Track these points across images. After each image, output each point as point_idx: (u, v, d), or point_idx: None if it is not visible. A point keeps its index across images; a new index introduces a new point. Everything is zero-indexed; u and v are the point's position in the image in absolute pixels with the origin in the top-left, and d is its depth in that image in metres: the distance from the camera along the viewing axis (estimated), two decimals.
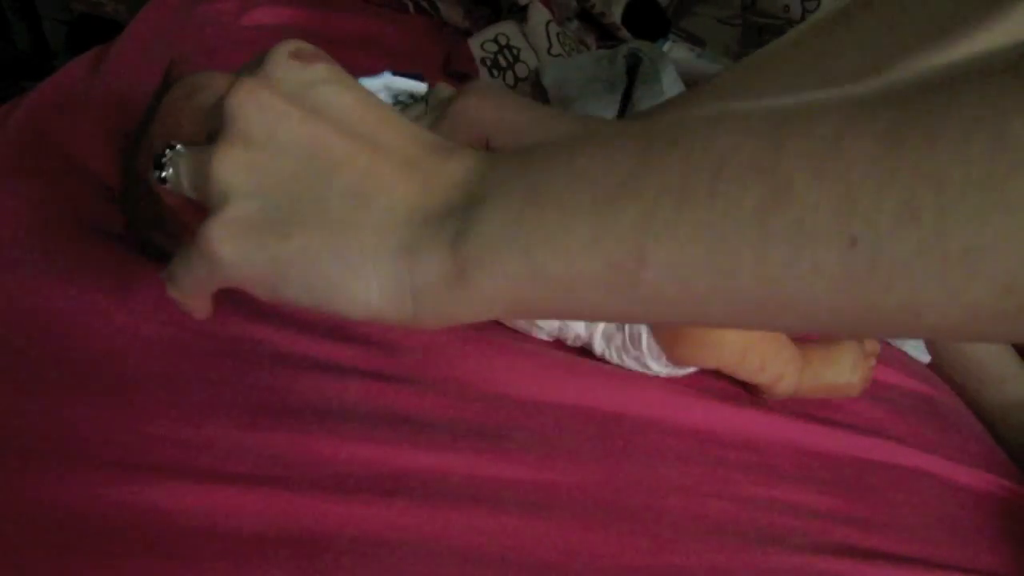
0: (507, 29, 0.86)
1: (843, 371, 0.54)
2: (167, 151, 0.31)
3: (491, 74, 0.83)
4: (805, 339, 0.57)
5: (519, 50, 0.85)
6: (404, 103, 0.53)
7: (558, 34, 0.87)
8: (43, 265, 0.50)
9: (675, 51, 0.98)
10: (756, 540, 0.43)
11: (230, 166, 0.29)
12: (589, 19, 1.02)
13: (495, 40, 0.85)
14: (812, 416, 0.53)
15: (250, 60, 0.31)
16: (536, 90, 0.80)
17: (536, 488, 0.42)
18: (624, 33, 1.01)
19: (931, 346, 0.68)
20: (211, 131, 0.31)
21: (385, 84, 0.52)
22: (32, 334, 0.46)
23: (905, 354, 0.66)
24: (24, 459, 0.39)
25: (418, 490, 0.39)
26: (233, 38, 0.82)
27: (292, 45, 0.30)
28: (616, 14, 1.02)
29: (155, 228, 0.50)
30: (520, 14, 0.89)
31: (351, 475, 0.40)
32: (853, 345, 0.55)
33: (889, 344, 0.66)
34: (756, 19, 1.08)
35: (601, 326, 0.50)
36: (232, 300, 0.49)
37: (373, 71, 0.83)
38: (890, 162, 0.21)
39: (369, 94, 0.31)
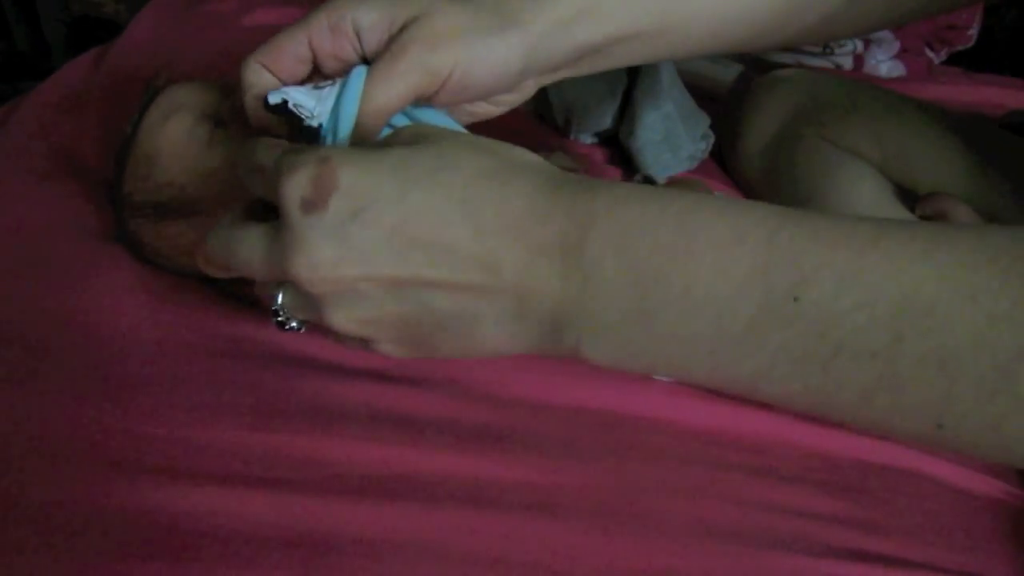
0: None
1: None
2: (280, 311, 0.33)
3: None
4: None
5: None
6: None
7: None
8: (43, 266, 0.50)
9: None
10: (758, 543, 0.43)
11: (346, 326, 0.31)
12: None
13: None
14: (814, 418, 0.53)
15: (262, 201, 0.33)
16: (537, 92, 0.80)
17: (538, 490, 0.42)
18: None
19: None
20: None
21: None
22: (33, 334, 0.46)
23: None
24: (26, 460, 0.39)
25: (420, 491, 0.39)
26: (233, 38, 0.82)
27: (297, 192, 0.29)
28: None
29: (147, 216, 0.50)
30: None
31: (354, 476, 0.40)
32: None
33: None
34: None
35: None
36: (237, 304, 0.49)
37: None
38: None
39: (389, 208, 0.29)
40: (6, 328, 0.46)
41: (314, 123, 0.39)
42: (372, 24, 0.38)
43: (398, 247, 0.29)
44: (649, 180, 0.75)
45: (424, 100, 0.39)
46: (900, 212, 0.75)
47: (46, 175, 0.59)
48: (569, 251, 0.28)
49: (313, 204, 0.29)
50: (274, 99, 0.40)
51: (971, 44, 1.12)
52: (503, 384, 0.48)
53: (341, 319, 0.30)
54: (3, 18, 1.64)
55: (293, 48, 0.39)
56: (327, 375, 0.45)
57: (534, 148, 0.35)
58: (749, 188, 0.77)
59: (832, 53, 1.07)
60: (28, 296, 0.48)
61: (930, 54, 1.12)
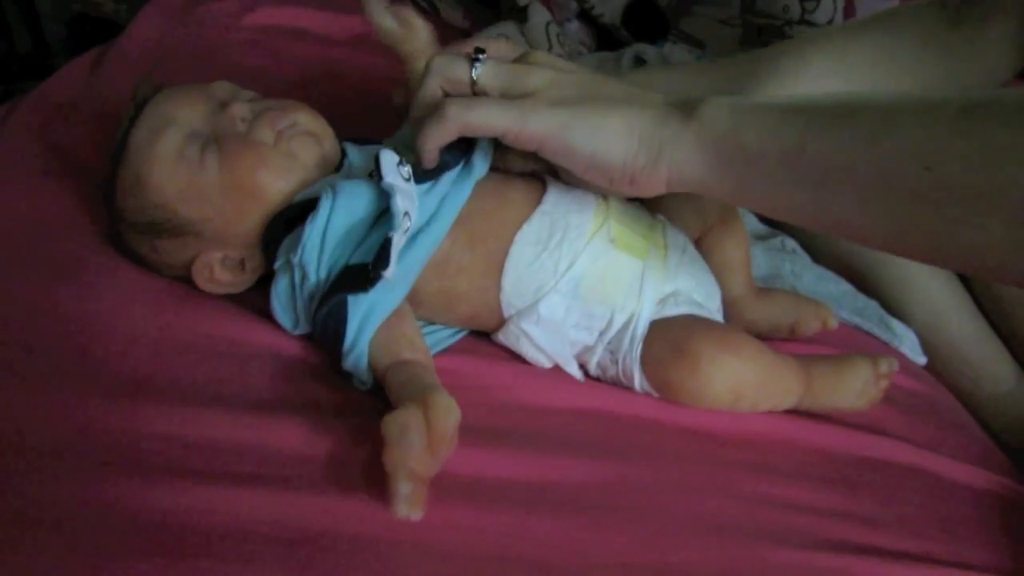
0: (507, 30, 0.86)
1: (847, 396, 0.52)
2: (476, 61, 0.46)
3: None
4: (817, 351, 0.57)
5: None
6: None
7: (558, 35, 0.88)
8: (42, 265, 0.50)
9: (675, 53, 0.98)
10: (756, 537, 0.43)
11: (537, 79, 0.46)
12: (589, 20, 1.02)
13: None
14: (811, 414, 0.53)
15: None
16: None
17: (537, 487, 0.42)
18: (623, 34, 1.02)
19: (927, 347, 0.69)
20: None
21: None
22: (32, 334, 0.46)
23: (903, 355, 0.66)
24: (25, 459, 0.39)
25: None
26: (233, 38, 0.82)
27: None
28: (616, 15, 1.02)
29: (141, 233, 0.50)
30: (520, 15, 0.89)
31: (352, 474, 0.40)
32: (865, 366, 0.52)
33: (887, 345, 0.66)
34: (756, 19, 1.09)
35: (595, 358, 0.50)
36: (235, 304, 0.49)
37: (373, 70, 0.83)
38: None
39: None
40: (5, 327, 0.46)
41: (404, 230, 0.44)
42: None
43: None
44: None
45: None
46: None
47: (46, 175, 0.59)
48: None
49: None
50: (402, 204, 0.44)
51: None
52: (502, 386, 0.48)
53: (538, 74, 0.46)
54: (3, 18, 1.65)
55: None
56: (323, 375, 0.45)
57: None
58: None
59: None
60: (27, 295, 0.48)
61: None
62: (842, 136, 0.39)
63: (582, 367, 0.51)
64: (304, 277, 0.45)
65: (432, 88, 0.47)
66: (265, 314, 0.49)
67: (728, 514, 0.44)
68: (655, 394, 0.50)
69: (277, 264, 0.47)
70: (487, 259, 0.49)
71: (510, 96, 0.46)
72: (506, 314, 0.49)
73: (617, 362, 0.50)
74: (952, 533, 0.48)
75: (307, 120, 0.50)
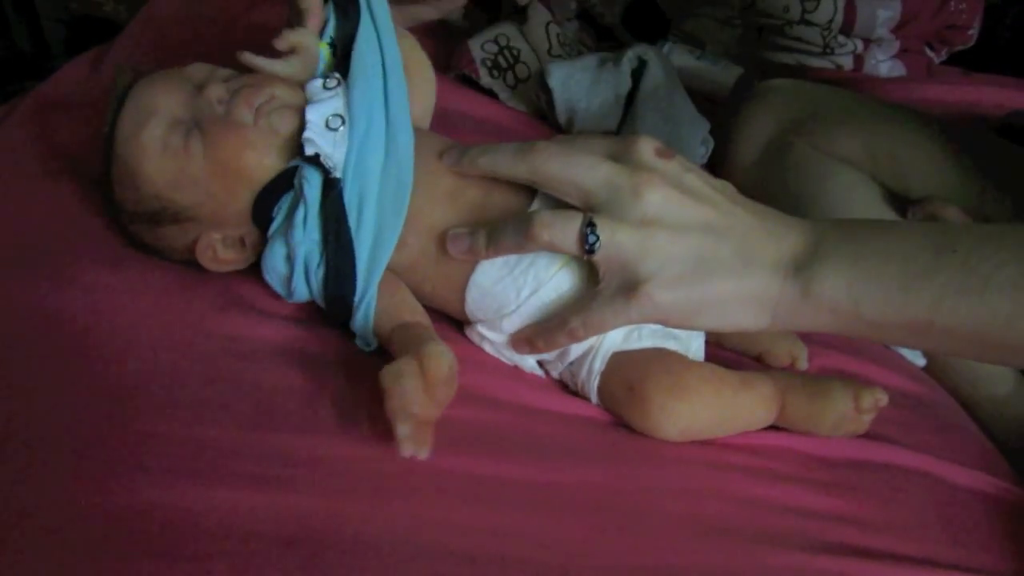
0: (507, 30, 0.86)
1: (820, 426, 0.50)
2: (590, 235, 0.43)
3: (491, 75, 0.83)
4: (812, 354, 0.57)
5: (519, 51, 0.85)
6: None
7: (558, 35, 0.88)
8: (42, 265, 0.50)
9: (675, 53, 0.98)
10: (754, 540, 0.43)
11: (656, 248, 0.43)
12: (589, 20, 1.02)
13: (495, 41, 0.85)
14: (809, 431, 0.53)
15: (613, 146, 0.45)
16: (541, 91, 0.80)
17: (537, 489, 0.42)
18: (623, 34, 1.01)
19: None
20: (591, 205, 0.44)
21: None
22: (33, 333, 0.46)
23: (902, 357, 0.66)
24: (25, 458, 0.39)
25: (419, 490, 0.39)
26: (233, 38, 0.82)
27: (653, 143, 0.45)
28: (616, 15, 1.02)
29: (142, 223, 0.51)
30: (520, 15, 0.89)
31: (353, 474, 0.40)
32: (843, 398, 0.50)
33: (886, 347, 0.66)
34: (756, 19, 1.08)
35: (556, 372, 0.51)
36: (235, 301, 0.49)
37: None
38: None
39: (712, 177, 0.46)
40: (5, 327, 0.46)
41: (337, 174, 0.46)
42: None
43: (708, 195, 0.44)
44: None
45: None
46: (891, 216, 0.76)
47: (45, 175, 0.59)
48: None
49: (664, 153, 0.45)
50: (310, 151, 0.46)
51: (971, 44, 1.11)
52: (503, 389, 0.48)
53: (656, 239, 0.42)
54: (3, 18, 1.64)
55: None
56: (325, 374, 0.45)
57: None
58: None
59: (832, 53, 1.07)
60: (27, 295, 0.48)
61: (930, 54, 1.11)
62: (975, 315, 0.39)
63: (542, 366, 0.52)
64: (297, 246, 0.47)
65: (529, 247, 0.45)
66: (266, 312, 0.49)
67: (727, 517, 0.44)
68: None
69: (270, 232, 0.48)
70: (451, 277, 0.49)
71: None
72: (470, 319, 0.50)
73: (576, 384, 0.50)
74: (953, 536, 0.48)
75: (284, 92, 0.50)
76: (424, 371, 0.39)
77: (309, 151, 0.46)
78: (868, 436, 0.52)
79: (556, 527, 0.40)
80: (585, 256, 0.43)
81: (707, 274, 0.42)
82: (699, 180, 0.45)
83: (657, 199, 0.43)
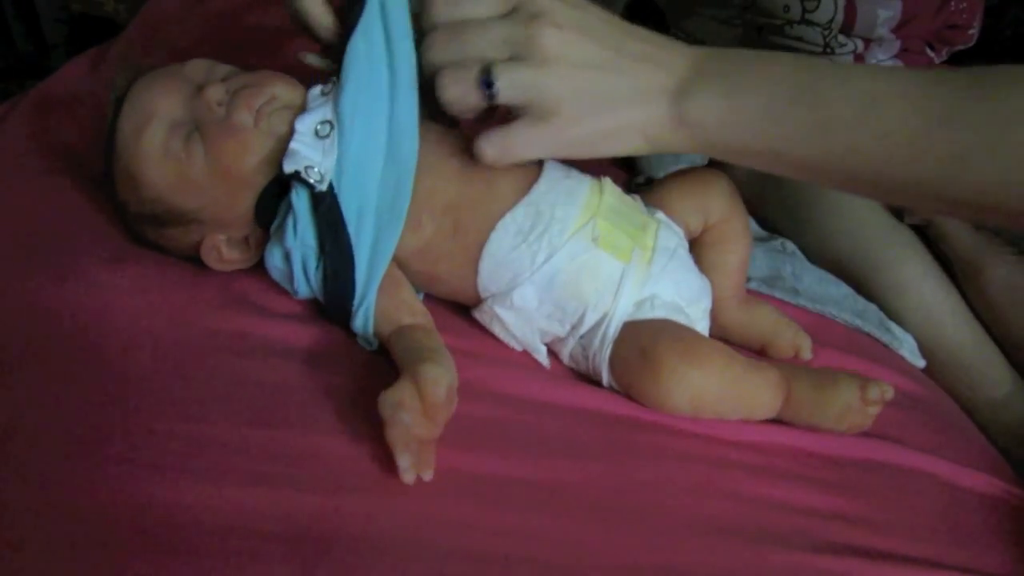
0: None
1: (825, 417, 0.50)
2: (490, 75, 0.44)
3: None
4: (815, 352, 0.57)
5: None
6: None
7: None
8: (42, 263, 0.50)
9: None
10: (757, 539, 0.43)
11: (558, 83, 0.44)
12: None
13: None
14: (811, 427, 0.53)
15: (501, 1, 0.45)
16: None
17: (539, 487, 0.42)
18: None
19: (923, 351, 0.69)
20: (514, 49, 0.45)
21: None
22: (33, 334, 0.46)
23: (902, 358, 0.66)
24: (28, 454, 0.39)
25: (421, 488, 0.39)
26: (233, 38, 0.82)
27: None
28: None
29: (145, 223, 0.51)
30: None
31: (354, 472, 0.40)
32: (849, 389, 0.50)
33: (887, 348, 0.66)
34: (756, 19, 1.08)
35: (567, 349, 0.51)
36: (238, 298, 0.49)
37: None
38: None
39: (601, 10, 0.48)
40: (5, 327, 0.46)
41: (323, 187, 0.46)
42: None
43: (596, 29, 0.46)
44: (650, 181, 0.76)
45: None
46: (889, 222, 0.76)
47: (46, 172, 0.59)
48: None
49: None
50: (289, 167, 0.46)
51: (971, 44, 1.11)
52: (505, 385, 0.48)
53: (553, 72, 0.44)
54: (3, 18, 1.65)
55: None
56: (327, 371, 0.45)
57: None
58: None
59: (832, 52, 1.07)
60: (27, 293, 0.48)
61: (930, 54, 1.11)
62: (819, 149, 0.43)
63: (554, 355, 0.52)
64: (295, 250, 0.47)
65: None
66: (269, 309, 0.49)
67: (730, 516, 0.44)
68: (623, 393, 0.50)
69: (271, 231, 0.49)
70: (467, 248, 0.49)
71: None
72: (482, 296, 0.50)
73: (588, 357, 0.50)
74: (954, 537, 0.47)
75: (284, 92, 0.49)
76: (422, 396, 0.39)
77: (288, 168, 0.45)
78: (871, 436, 0.52)
79: (560, 526, 0.40)
80: (488, 102, 0.45)
81: (608, 107, 0.45)
82: (591, 16, 0.47)
83: (553, 42, 0.44)
